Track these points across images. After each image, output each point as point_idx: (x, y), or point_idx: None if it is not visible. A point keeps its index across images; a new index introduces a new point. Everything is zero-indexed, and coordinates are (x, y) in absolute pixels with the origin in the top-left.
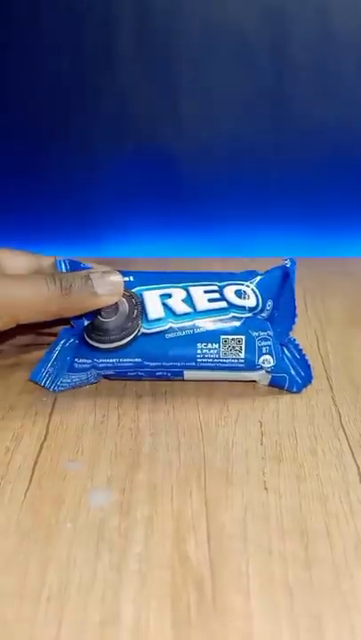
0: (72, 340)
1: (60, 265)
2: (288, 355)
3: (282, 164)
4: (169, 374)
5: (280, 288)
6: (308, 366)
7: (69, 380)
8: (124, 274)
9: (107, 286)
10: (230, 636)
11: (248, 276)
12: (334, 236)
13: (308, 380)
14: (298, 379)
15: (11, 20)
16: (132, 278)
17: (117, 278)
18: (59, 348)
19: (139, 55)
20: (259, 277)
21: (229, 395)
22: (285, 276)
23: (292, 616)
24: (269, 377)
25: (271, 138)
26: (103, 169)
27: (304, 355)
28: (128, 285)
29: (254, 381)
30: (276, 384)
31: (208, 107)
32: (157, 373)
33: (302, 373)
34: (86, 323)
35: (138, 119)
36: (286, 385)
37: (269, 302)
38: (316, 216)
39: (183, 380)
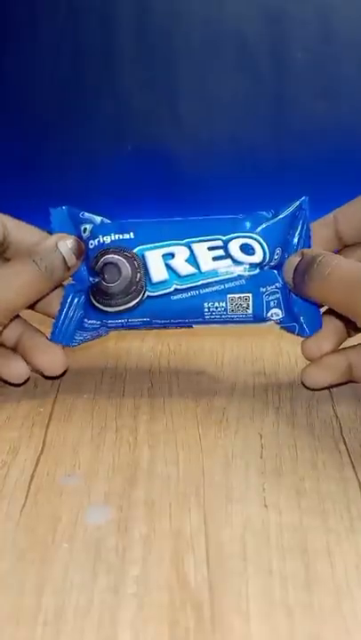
0: (80, 297)
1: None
2: (297, 302)
3: (282, 164)
4: (178, 326)
5: (292, 231)
6: (318, 311)
7: (82, 338)
8: (124, 228)
9: (72, 256)
10: None
11: (254, 221)
12: None
13: (318, 325)
14: (308, 325)
15: (11, 19)
16: (132, 235)
17: (76, 241)
18: (66, 306)
19: (139, 55)
20: (264, 225)
21: (229, 404)
22: (298, 216)
23: (293, 639)
24: (278, 327)
25: (271, 138)
26: (103, 169)
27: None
28: (128, 244)
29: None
30: (286, 330)
31: (208, 107)
32: (167, 326)
33: (312, 318)
34: (91, 280)
35: (138, 119)
36: (296, 331)
37: (278, 250)
38: (317, 216)
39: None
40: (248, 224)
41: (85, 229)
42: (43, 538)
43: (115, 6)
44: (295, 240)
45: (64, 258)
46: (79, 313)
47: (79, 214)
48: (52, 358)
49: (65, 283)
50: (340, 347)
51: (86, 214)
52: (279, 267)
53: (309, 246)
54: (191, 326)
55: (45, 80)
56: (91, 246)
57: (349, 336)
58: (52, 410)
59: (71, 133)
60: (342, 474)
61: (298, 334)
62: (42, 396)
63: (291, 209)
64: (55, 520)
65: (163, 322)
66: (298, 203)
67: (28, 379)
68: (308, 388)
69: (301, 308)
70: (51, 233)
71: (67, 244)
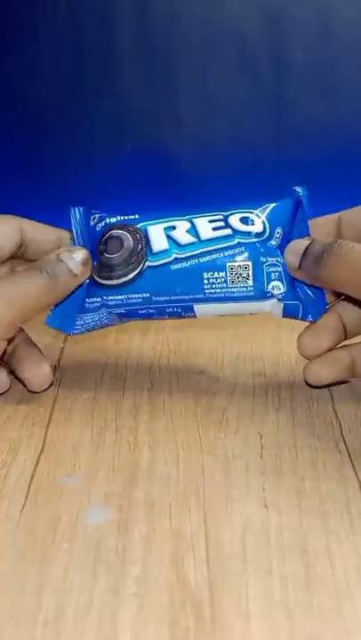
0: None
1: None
2: (301, 283)
3: (282, 164)
4: (179, 310)
5: (292, 217)
6: (323, 293)
7: (82, 322)
8: (129, 212)
9: (77, 264)
10: None
11: (257, 204)
12: None
13: (322, 307)
14: (312, 306)
15: (11, 19)
16: (137, 216)
17: (84, 255)
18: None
19: (139, 55)
20: (268, 206)
21: (229, 404)
22: (297, 205)
23: (293, 639)
24: (281, 305)
25: (271, 138)
26: (103, 169)
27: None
28: (133, 222)
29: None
30: (290, 314)
31: (208, 107)
32: (168, 310)
33: (316, 300)
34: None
35: (138, 119)
36: (300, 314)
37: (278, 229)
38: (317, 216)
39: (194, 317)
40: (251, 205)
41: (94, 218)
42: (43, 538)
43: (115, 6)
44: (294, 224)
45: (69, 268)
46: (80, 294)
47: (91, 211)
48: (37, 372)
49: None
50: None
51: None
52: (280, 248)
53: (308, 233)
54: (193, 310)
55: (46, 80)
56: (98, 229)
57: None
58: (52, 410)
59: (71, 133)
60: (342, 474)
61: (301, 319)
62: (42, 396)
63: (292, 200)
64: (55, 520)
65: (163, 299)
66: (299, 190)
67: (7, 390)
68: (310, 385)
69: (304, 287)
70: (69, 230)
71: (73, 256)
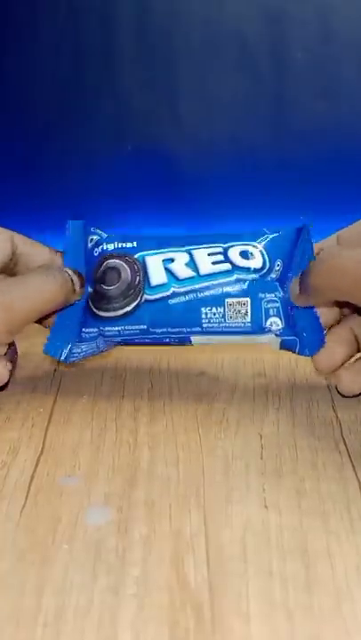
0: (79, 305)
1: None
2: (300, 317)
3: (282, 164)
4: (176, 340)
5: (293, 247)
6: (321, 329)
7: (80, 350)
8: (128, 238)
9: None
10: None
11: (256, 236)
12: None
13: (320, 343)
14: (309, 342)
15: (10, 19)
16: (135, 244)
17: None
18: (63, 314)
19: (139, 55)
20: (268, 236)
21: (229, 405)
22: (299, 234)
23: None
24: (279, 340)
25: (271, 138)
26: (103, 169)
27: (318, 317)
28: (130, 251)
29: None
30: (287, 347)
31: (208, 107)
32: (165, 339)
33: (313, 335)
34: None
35: (138, 119)
36: (298, 348)
37: (278, 262)
38: (317, 216)
39: (190, 345)
40: (251, 237)
41: (92, 240)
42: (43, 538)
43: (115, 6)
44: (299, 260)
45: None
46: (77, 320)
47: (91, 228)
48: None
49: None
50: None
51: (97, 230)
52: (280, 281)
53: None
54: (190, 341)
55: (46, 80)
56: (95, 254)
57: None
58: (52, 411)
59: (71, 133)
60: (342, 474)
61: (298, 352)
62: (42, 396)
63: (294, 228)
64: (55, 521)
65: (160, 331)
66: (302, 225)
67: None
68: (343, 395)
69: (305, 323)
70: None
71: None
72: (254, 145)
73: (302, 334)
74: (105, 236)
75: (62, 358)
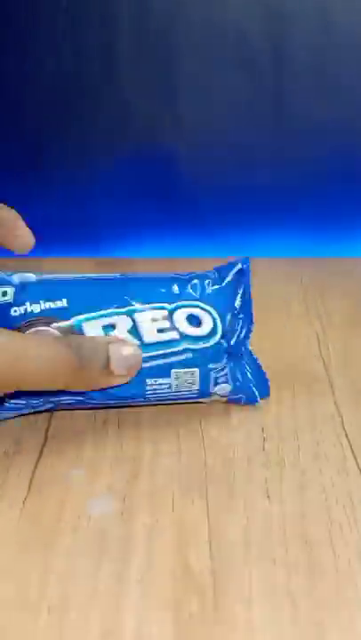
0: None
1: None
2: (246, 369)
3: (282, 164)
4: (119, 405)
5: (235, 292)
6: (266, 381)
7: (2, 418)
8: (55, 293)
9: (124, 362)
10: None
11: (199, 281)
12: (335, 236)
13: (265, 394)
14: (254, 396)
15: (10, 19)
16: (65, 302)
17: (136, 351)
18: None
19: (139, 55)
20: (211, 289)
21: None
22: (239, 278)
23: (296, 626)
24: (225, 399)
25: (271, 138)
26: (103, 169)
27: (261, 369)
28: (63, 315)
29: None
30: (232, 402)
31: (208, 107)
32: (107, 404)
33: (260, 389)
34: None
35: (138, 119)
36: (243, 402)
37: (229, 315)
38: (317, 216)
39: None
40: (192, 285)
41: (5, 293)
42: (46, 528)
43: (115, 6)
44: (236, 303)
45: (110, 358)
46: None
47: (6, 275)
48: None
49: None
50: None
51: (13, 275)
52: (231, 333)
53: (250, 311)
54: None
55: (45, 80)
56: (14, 313)
57: None
58: None
59: (71, 133)
60: (344, 465)
61: (245, 403)
62: None
63: (235, 270)
64: (59, 511)
65: (100, 399)
66: (239, 265)
67: None
68: None
69: (249, 378)
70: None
71: (122, 349)
72: (254, 145)
73: (247, 391)
74: (32, 278)
75: None
